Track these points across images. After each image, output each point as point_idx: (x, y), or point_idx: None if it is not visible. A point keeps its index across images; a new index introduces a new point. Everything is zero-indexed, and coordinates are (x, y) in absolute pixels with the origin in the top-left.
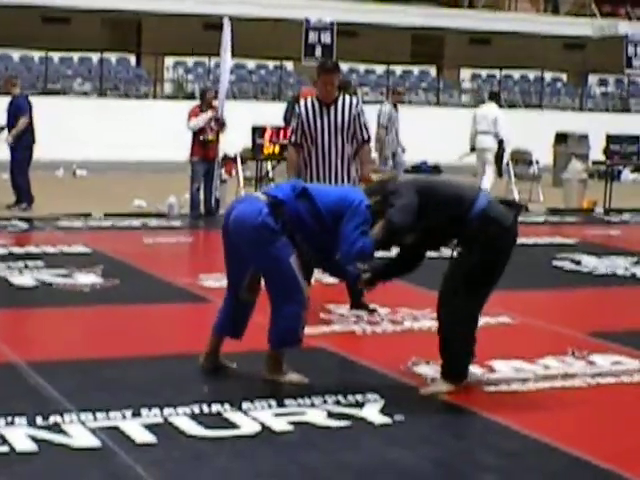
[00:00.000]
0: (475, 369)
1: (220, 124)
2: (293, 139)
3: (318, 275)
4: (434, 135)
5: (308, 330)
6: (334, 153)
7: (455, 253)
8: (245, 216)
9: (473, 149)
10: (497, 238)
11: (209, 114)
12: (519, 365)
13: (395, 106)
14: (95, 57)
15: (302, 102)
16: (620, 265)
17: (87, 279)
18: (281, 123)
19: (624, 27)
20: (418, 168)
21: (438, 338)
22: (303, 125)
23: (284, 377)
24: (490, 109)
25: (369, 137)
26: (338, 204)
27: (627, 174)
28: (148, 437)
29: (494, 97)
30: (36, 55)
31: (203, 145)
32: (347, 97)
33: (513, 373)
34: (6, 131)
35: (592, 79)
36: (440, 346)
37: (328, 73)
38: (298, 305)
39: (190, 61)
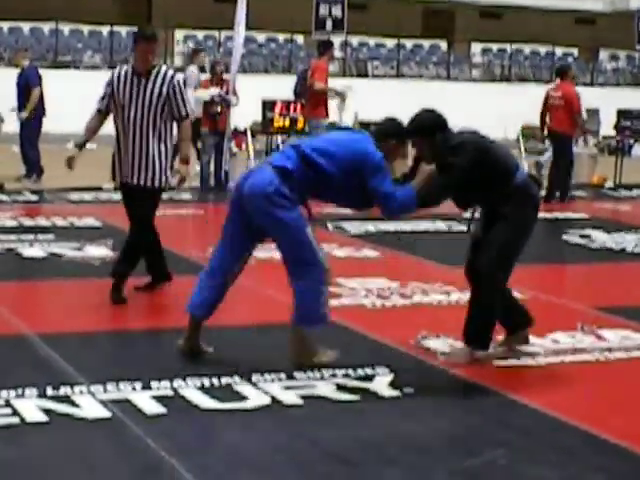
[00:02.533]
0: None
1: (225, 102)
2: (98, 105)
3: (329, 249)
4: (444, 109)
5: None
6: (140, 128)
7: (483, 219)
8: (258, 187)
9: None
10: (530, 213)
11: (216, 90)
12: (529, 339)
13: None
14: (105, 30)
15: (116, 70)
16: (630, 240)
17: (97, 252)
18: (291, 97)
19: (636, 2)
20: None
21: (471, 306)
22: (113, 94)
23: (312, 358)
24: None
25: (187, 113)
26: (353, 159)
27: (638, 149)
28: (158, 409)
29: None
30: (46, 27)
31: (213, 118)
32: (163, 68)
33: (523, 347)
34: (16, 110)
35: (603, 54)
36: (474, 314)
37: (148, 42)
38: (317, 279)
39: (200, 34)
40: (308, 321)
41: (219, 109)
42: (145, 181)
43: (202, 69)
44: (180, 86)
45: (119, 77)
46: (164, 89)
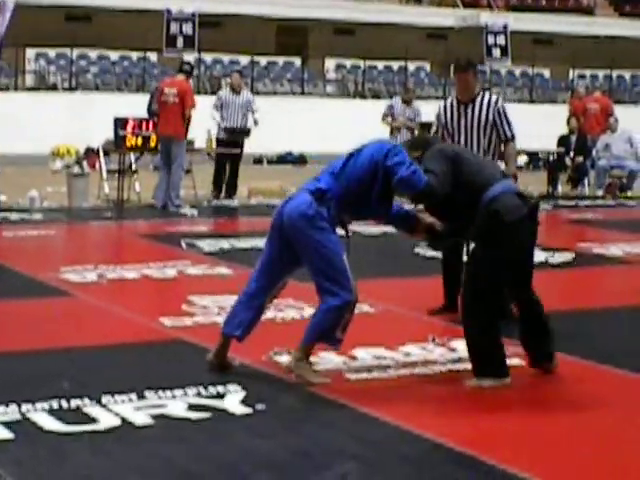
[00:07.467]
0: (336, 357)
1: None
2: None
3: (182, 267)
4: (299, 125)
5: (169, 322)
6: (475, 150)
7: (468, 250)
8: (298, 210)
9: None
10: (501, 232)
11: None
12: (380, 353)
13: (407, 103)
14: None
15: (442, 103)
16: None
17: None
18: (145, 114)
19: (485, 17)
20: (283, 158)
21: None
22: (445, 125)
23: (309, 375)
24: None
25: (513, 135)
26: (371, 163)
27: None
28: (5, 434)
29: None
30: None
31: None
32: (487, 95)
33: (374, 361)
34: None
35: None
36: (469, 350)
37: (462, 71)
38: (342, 305)
39: (52, 52)
40: (320, 338)
41: None
42: None
43: None
44: (503, 110)
45: (445, 109)
46: (486, 114)
